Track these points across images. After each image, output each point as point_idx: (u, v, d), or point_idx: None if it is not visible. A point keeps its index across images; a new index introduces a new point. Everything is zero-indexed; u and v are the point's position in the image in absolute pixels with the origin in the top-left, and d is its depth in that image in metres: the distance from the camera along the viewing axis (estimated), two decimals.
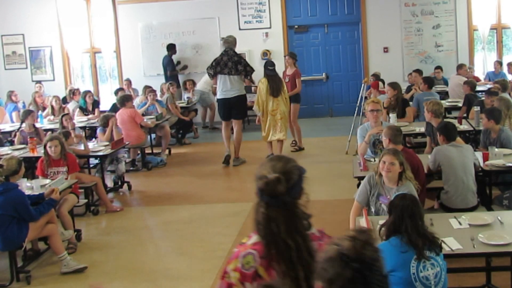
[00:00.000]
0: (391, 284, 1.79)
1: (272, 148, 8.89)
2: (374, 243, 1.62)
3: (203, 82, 11.84)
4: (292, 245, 2.00)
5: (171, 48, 12.23)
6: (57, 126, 9.39)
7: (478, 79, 10.87)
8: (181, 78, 12.39)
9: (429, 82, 8.95)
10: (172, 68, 12.25)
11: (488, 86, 9.79)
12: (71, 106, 10.64)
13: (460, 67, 10.51)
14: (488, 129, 6.15)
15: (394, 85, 7.99)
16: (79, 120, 9.83)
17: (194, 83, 11.86)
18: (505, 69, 11.29)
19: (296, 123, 9.63)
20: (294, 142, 9.83)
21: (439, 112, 6.29)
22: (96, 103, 10.72)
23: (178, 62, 12.51)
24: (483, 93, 9.15)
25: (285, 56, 9.89)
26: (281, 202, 2.02)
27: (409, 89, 9.83)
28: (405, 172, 4.38)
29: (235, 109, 8.93)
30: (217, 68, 8.85)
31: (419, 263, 3.16)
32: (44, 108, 10.65)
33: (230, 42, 8.98)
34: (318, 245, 2.08)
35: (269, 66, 8.93)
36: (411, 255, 3.17)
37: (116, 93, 10.72)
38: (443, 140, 5.29)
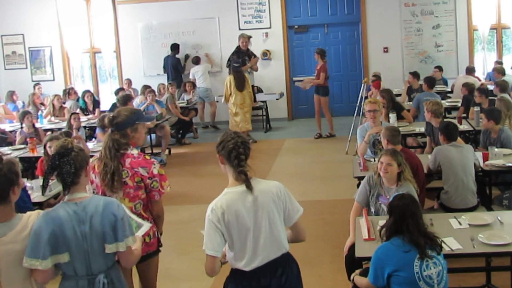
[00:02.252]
0: (395, 283, 2.72)
1: None
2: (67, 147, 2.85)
3: (206, 78, 11.85)
4: (109, 158, 3.54)
5: (175, 48, 12.23)
6: (57, 126, 9.43)
7: (478, 79, 10.85)
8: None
9: (430, 82, 8.94)
10: (182, 69, 12.32)
11: (489, 86, 9.79)
12: (67, 105, 10.65)
13: (473, 70, 10.52)
14: (488, 129, 6.15)
15: (383, 94, 7.90)
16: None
17: (194, 85, 11.84)
18: (508, 70, 11.28)
19: (328, 113, 10.54)
20: (318, 134, 10.65)
21: (438, 112, 6.30)
22: (96, 103, 10.72)
23: (186, 58, 12.57)
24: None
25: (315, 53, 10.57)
26: (113, 129, 3.62)
27: (410, 90, 9.79)
28: (403, 172, 4.37)
29: None
30: (228, 62, 10.76)
31: (422, 262, 3.16)
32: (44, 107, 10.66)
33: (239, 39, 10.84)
34: (132, 160, 3.55)
35: (234, 63, 10.17)
36: (414, 254, 3.17)
37: (116, 93, 10.72)
38: (444, 140, 5.29)
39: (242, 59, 10.48)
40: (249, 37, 10.96)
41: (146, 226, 3.44)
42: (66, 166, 2.79)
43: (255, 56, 11.03)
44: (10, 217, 2.72)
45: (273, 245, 2.92)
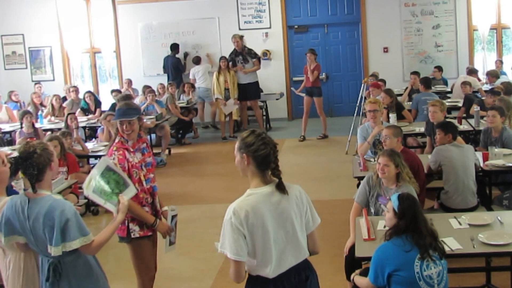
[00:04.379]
0: (395, 283, 2.71)
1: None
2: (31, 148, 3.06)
3: (207, 79, 11.82)
4: None
5: (175, 48, 12.23)
6: (57, 126, 9.42)
7: (478, 79, 10.87)
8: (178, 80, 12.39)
9: (426, 82, 8.94)
10: (183, 68, 12.34)
11: (488, 86, 9.80)
12: (66, 104, 10.67)
13: (474, 71, 10.54)
14: (489, 128, 6.15)
15: (391, 93, 7.92)
16: (79, 120, 9.80)
17: (192, 86, 11.82)
18: (508, 70, 11.30)
19: (323, 114, 10.58)
20: (302, 137, 10.60)
21: None
22: (98, 103, 10.73)
23: (185, 56, 12.59)
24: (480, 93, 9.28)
25: (306, 54, 10.49)
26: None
27: (411, 90, 9.79)
28: (402, 173, 4.36)
29: (248, 91, 10.97)
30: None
31: (422, 262, 3.15)
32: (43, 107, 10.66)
33: None
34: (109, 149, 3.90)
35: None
36: (415, 254, 3.16)
37: (111, 93, 10.80)
38: (451, 138, 5.27)
39: (233, 60, 10.94)
40: (241, 36, 11.02)
41: (131, 189, 3.53)
42: (29, 169, 3.03)
43: (255, 56, 11.06)
44: None
45: (297, 250, 2.82)
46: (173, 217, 4.05)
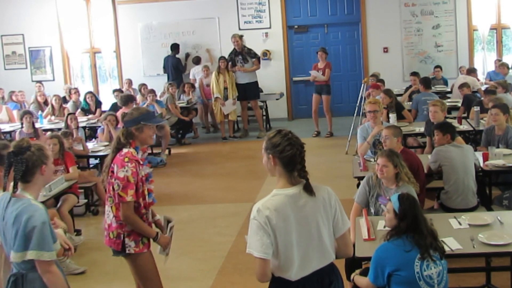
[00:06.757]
0: (395, 283, 2.66)
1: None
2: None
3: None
4: (111, 151, 3.75)
5: (175, 48, 12.23)
6: (56, 126, 9.42)
7: (477, 79, 10.87)
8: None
9: (426, 82, 8.94)
10: (183, 68, 12.34)
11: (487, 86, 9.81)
12: (68, 105, 10.67)
13: (473, 71, 10.56)
14: (493, 126, 6.14)
15: (390, 93, 7.95)
16: (79, 120, 9.80)
17: (192, 86, 11.82)
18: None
19: (329, 112, 10.73)
20: (316, 132, 10.88)
21: None
22: (99, 104, 10.73)
23: (186, 57, 12.58)
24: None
25: (317, 52, 10.65)
26: (123, 125, 3.87)
27: (412, 91, 9.79)
28: (400, 173, 4.36)
29: (248, 91, 10.94)
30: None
31: (422, 262, 3.15)
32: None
33: None
34: (117, 157, 3.63)
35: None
36: (415, 254, 3.16)
37: (113, 93, 10.79)
38: (449, 139, 5.27)
39: (232, 60, 10.89)
40: (240, 36, 11.01)
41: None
42: (18, 164, 2.87)
43: (255, 56, 11.06)
44: None
45: (322, 254, 2.75)
46: (171, 228, 3.90)
